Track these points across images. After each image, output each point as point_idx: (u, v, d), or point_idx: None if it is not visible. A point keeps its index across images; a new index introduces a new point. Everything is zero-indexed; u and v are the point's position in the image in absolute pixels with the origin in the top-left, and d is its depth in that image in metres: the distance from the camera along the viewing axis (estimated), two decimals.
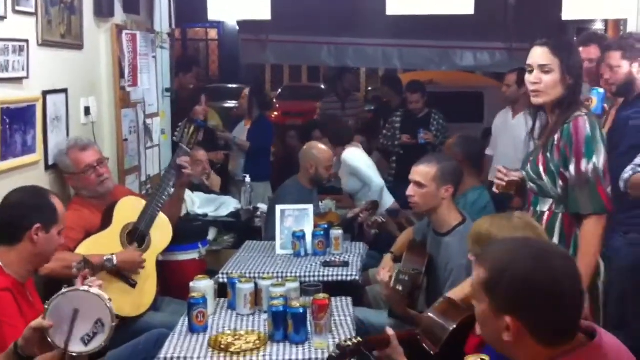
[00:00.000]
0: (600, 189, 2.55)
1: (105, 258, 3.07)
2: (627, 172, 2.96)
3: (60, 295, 2.00)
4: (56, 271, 2.84)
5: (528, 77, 2.67)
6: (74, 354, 1.93)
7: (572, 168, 2.57)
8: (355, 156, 4.94)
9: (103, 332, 1.93)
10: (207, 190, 4.91)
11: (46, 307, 2.00)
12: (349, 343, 2.17)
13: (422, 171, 3.11)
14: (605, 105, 3.36)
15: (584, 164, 2.55)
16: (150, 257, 3.32)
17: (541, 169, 2.66)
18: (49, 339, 1.94)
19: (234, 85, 13.70)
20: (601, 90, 3.30)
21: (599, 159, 2.55)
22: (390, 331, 2.30)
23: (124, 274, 3.17)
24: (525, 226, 2.20)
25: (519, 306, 1.49)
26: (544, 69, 2.61)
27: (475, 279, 1.58)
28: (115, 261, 3.07)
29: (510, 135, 4.06)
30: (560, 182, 2.63)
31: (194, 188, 4.59)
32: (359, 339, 2.20)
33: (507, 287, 1.49)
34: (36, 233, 2.42)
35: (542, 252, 1.54)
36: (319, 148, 4.37)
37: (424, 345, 2.34)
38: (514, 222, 2.23)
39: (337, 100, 7.60)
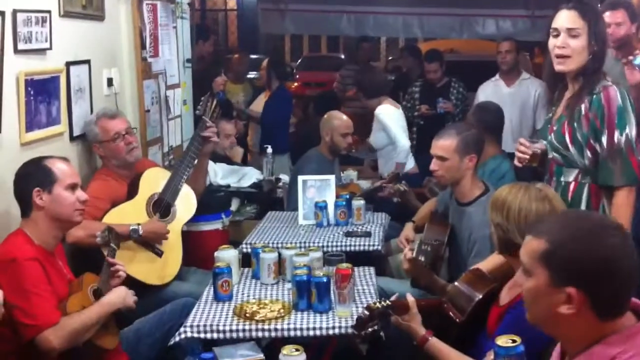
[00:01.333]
0: (633, 159, 2.53)
1: (131, 228, 3.11)
2: None
3: None
4: (82, 239, 2.91)
5: (553, 42, 2.60)
6: None
7: (604, 140, 2.53)
8: (389, 113, 4.93)
9: None
10: (229, 161, 4.93)
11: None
12: (378, 305, 2.20)
13: (443, 144, 3.09)
14: None
15: (616, 136, 2.51)
16: (175, 228, 3.36)
17: (567, 138, 2.62)
18: None
19: (254, 56, 13.64)
20: None
21: (631, 130, 2.52)
22: (410, 298, 2.32)
23: (151, 243, 3.21)
24: (544, 198, 2.18)
25: (584, 276, 1.45)
26: (571, 32, 2.55)
27: (529, 252, 1.53)
28: (140, 231, 3.11)
29: (510, 106, 3.99)
30: (588, 153, 2.59)
31: (217, 159, 4.60)
32: (388, 302, 2.23)
33: (571, 257, 1.46)
34: (39, 197, 2.49)
35: (601, 224, 1.52)
36: (337, 116, 4.38)
37: (450, 313, 2.36)
38: (532, 192, 2.21)
39: (357, 68, 7.55)
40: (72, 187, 2.55)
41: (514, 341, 1.79)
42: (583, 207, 2.60)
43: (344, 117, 4.42)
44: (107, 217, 3.12)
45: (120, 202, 3.25)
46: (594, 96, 2.55)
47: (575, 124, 2.60)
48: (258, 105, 6.16)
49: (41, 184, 2.50)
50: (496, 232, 2.25)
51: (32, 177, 2.51)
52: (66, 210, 2.53)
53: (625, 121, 2.52)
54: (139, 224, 3.12)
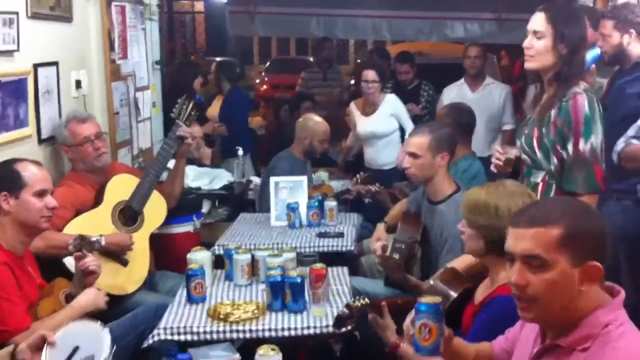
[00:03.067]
0: (596, 168, 2.56)
1: (93, 239, 2.93)
2: (619, 145, 2.97)
3: (76, 322, 2.03)
4: (42, 250, 2.81)
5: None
6: None
7: (570, 148, 2.56)
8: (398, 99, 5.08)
9: None
10: (199, 163, 4.90)
11: (60, 329, 2.01)
12: (357, 304, 2.21)
13: (416, 142, 3.12)
14: (593, 66, 3.36)
15: (581, 144, 2.54)
16: (143, 236, 3.28)
17: (535, 143, 2.65)
18: (43, 353, 1.92)
19: (221, 59, 13.60)
20: (598, 50, 3.29)
21: (597, 138, 2.55)
22: (383, 304, 2.31)
23: (115, 253, 3.14)
24: (523, 192, 2.22)
25: (599, 250, 1.55)
26: (536, 34, 2.61)
27: (544, 243, 1.53)
28: (103, 242, 2.97)
29: (475, 111, 4.06)
30: (554, 159, 2.62)
31: (187, 161, 4.57)
32: (367, 300, 2.24)
33: (587, 234, 1.55)
34: (6, 202, 2.46)
35: (583, 203, 1.67)
36: (316, 121, 4.36)
37: None
38: (510, 188, 2.24)
39: (319, 70, 7.57)
40: (41, 194, 2.52)
41: (434, 301, 1.83)
42: None
43: (324, 123, 4.39)
44: (69, 227, 3.04)
45: (85, 210, 3.17)
46: (563, 103, 2.58)
47: (544, 129, 2.63)
48: (213, 110, 6.04)
49: (9, 188, 2.46)
50: (481, 234, 2.23)
51: (0, 181, 2.47)
52: (32, 216, 2.50)
53: (590, 130, 2.54)
54: (101, 235, 2.99)
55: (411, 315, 1.86)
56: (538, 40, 2.61)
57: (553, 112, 2.60)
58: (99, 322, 2.04)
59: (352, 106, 5.28)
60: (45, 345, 1.92)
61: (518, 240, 1.57)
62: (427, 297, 1.87)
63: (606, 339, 1.50)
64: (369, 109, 5.07)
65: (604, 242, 1.56)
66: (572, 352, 1.53)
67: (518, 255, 1.57)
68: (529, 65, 2.68)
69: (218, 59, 13.13)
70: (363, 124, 5.09)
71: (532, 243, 1.54)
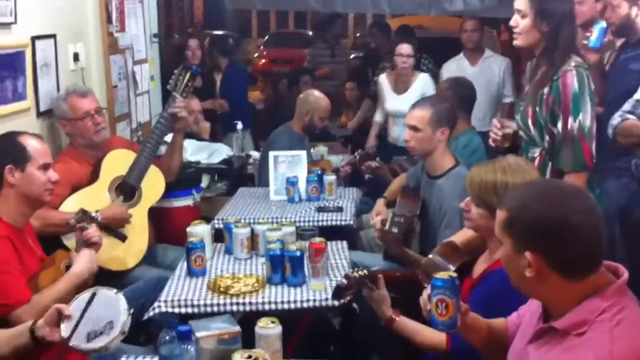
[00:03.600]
0: (584, 146, 2.57)
1: (92, 214, 2.94)
2: (615, 119, 2.96)
3: (90, 290, 2.02)
4: (39, 229, 2.78)
5: None
6: (73, 347, 1.93)
7: (559, 125, 2.58)
8: None
9: (108, 335, 1.92)
10: (198, 137, 4.89)
11: (74, 298, 2.02)
12: (356, 275, 2.22)
13: (417, 115, 3.12)
14: (606, 39, 3.31)
15: (570, 122, 2.56)
16: (141, 211, 3.27)
17: (529, 121, 2.68)
18: (62, 325, 1.95)
19: (219, 32, 13.51)
20: (604, 24, 3.25)
21: (585, 116, 2.56)
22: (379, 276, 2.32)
23: (113, 228, 3.13)
24: (532, 168, 2.21)
25: (537, 241, 1.53)
26: (519, 13, 2.66)
27: (497, 223, 1.63)
28: (99, 218, 2.93)
29: (475, 85, 4.04)
30: (547, 137, 2.64)
31: (185, 135, 4.56)
32: (366, 271, 2.25)
33: (525, 223, 1.55)
34: (11, 174, 2.45)
35: (558, 190, 1.60)
36: (317, 97, 4.33)
37: (425, 284, 2.38)
38: (520, 165, 2.22)
39: (326, 47, 7.53)
40: (45, 167, 2.52)
41: (450, 276, 1.84)
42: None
43: (326, 100, 4.35)
44: (66, 203, 3.03)
45: (81, 187, 3.16)
46: (554, 82, 2.60)
47: (537, 108, 2.65)
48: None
49: (14, 161, 2.45)
50: (493, 215, 2.22)
51: (6, 154, 2.47)
52: (37, 189, 2.50)
53: (579, 108, 2.55)
54: (97, 210, 2.96)
55: (428, 290, 1.86)
56: (522, 18, 2.66)
57: (546, 90, 2.62)
58: (114, 289, 2.04)
59: (383, 80, 5.19)
60: (63, 318, 1.94)
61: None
62: (443, 272, 1.88)
63: (601, 325, 1.49)
64: (401, 85, 5.01)
65: (555, 236, 1.51)
66: (567, 336, 1.53)
67: None
68: (516, 43, 2.73)
69: (216, 32, 13.07)
70: (393, 102, 5.04)
71: (497, 221, 1.65)
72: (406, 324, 2.23)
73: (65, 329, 1.93)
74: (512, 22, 2.71)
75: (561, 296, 1.56)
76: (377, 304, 2.26)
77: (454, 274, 1.85)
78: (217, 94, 5.80)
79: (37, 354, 2.11)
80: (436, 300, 1.81)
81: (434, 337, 2.17)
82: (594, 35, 3.17)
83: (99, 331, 1.92)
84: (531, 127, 2.67)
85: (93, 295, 1.98)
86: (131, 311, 1.97)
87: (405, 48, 4.81)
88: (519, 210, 1.57)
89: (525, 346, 1.67)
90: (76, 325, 1.93)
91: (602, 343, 1.47)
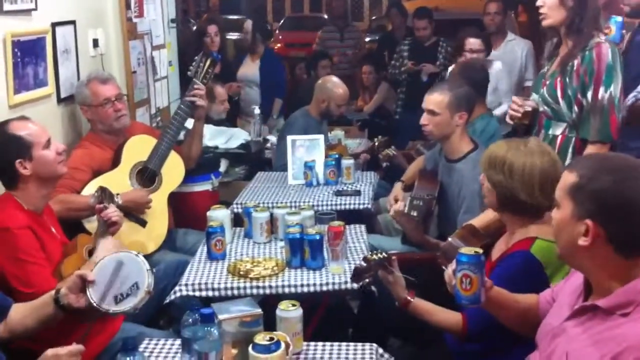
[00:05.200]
0: (612, 117, 2.60)
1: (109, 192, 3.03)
2: (629, 100, 2.97)
3: (110, 255, 2.05)
4: (61, 213, 2.81)
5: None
6: (103, 311, 1.97)
7: (589, 94, 2.61)
8: None
9: (135, 296, 1.96)
10: (216, 122, 4.90)
11: (95, 262, 2.05)
12: (375, 257, 2.24)
13: (435, 99, 3.11)
14: (624, 31, 3.30)
15: (601, 92, 2.59)
16: (161, 197, 3.30)
17: (559, 93, 2.70)
18: (88, 291, 1.98)
19: (235, 17, 13.49)
20: (619, 18, 3.24)
21: (617, 88, 2.59)
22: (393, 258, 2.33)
23: (133, 213, 3.16)
24: (543, 152, 2.21)
25: (602, 212, 1.55)
26: None
27: (562, 184, 1.64)
28: (120, 201, 2.95)
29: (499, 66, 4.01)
30: (575, 108, 2.67)
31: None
32: (385, 254, 2.26)
33: (594, 192, 1.56)
34: (23, 167, 2.44)
35: (631, 168, 1.60)
36: (336, 84, 4.31)
37: (444, 267, 2.40)
38: (531, 148, 2.23)
39: (336, 30, 7.49)
40: (48, 144, 2.50)
41: (476, 252, 1.85)
42: (568, 159, 2.67)
43: (343, 87, 4.33)
44: (87, 189, 3.05)
45: (103, 172, 3.18)
46: (587, 52, 2.64)
47: (567, 79, 2.67)
48: (247, 70, 5.96)
49: (19, 153, 2.43)
50: (495, 190, 2.24)
51: (7, 150, 2.44)
52: (50, 167, 2.50)
53: (611, 79, 2.59)
54: (117, 194, 2.95)
55: (452, 265, 1.88)
56: None
57: (576, 62, 2.66)
58: (133, 251, 2.07)
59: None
60: (87, 284, 1.97)
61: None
62: (468, 247, 1.90)
63: None
64: None
65: (621, 210, 1.53)
66: (611, 315, 1.54)
67: None
68: (545, 22, 2.75)
69: (231, 17, 13.04)
70: None
71: (560, 183, 1.66)
72: (421, 305, 2.25)
73: (93, 295, 1.97)
74: (539, 2, 2.72)
75: (608, 272, 1.57)
76: (393, 285, 2.27)
77: (480, 250, 1.86)
78: (237, 78, 5.80)
79: (65, 331, 2.14)
80: (461, 275, 1.83)
81: (450, 317, 2.19)
82: (613, 31, 3.16)
83: (125, 293, 1.96)
84: (560, 99, 2.69)
85: (119, 261, 2.01)
86: (154, 270, 2.02)
87: (474, 43, 4.62)
88: (590, 178, 1.57)
89: (562, 323, 1.68)
90: (105, 290, 1.96)
91: None
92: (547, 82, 2.76)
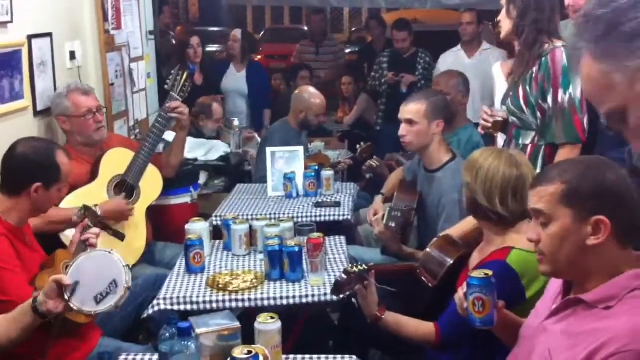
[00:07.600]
0: (575, 118, 2.62)
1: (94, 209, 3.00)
2: None
3: (83, 255, 2.03)
4: (40, 226, 2.80)
5: None
6: (86, 313, 1.96)
7: (549, 99, 2.65)
8: None
9: (115, 294, 1.95)
10: (196, 134, 4.89)
11: (70, 264, 2.03)
12: (355, 269, 2.23)
13: (411, 109, 3.12)
14: None
15: (560, 95, 2.62)
16: (139, 210, 3.28)
17: (522, 102, 2.73)
18: (65, 295, 1.96)
19: (215, 28, 13.48)
20: None
21: (576, 89, 2.60)
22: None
23: (111, 227, 3.10)
24: (514, 164, 2.20)
25: (606, 205, 1.55)
26: (503, 6, 2.77)
27: (548, 198, 1.61)
28: (99, 212, 2.87)
29: (472, 77, 4.06)
30: (538, 114, 2.70)
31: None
32: (365, 266, 2.26)
33: (590, 189, 1.57)
34: (36, 191, 2.43)
35: (600, 159, 1.65)
36: (312, 94, 4.32)
37: (423, 278, 2.41)
38: (504, 157, 2.23)
39: (312, 45, 7.44)
40: (65, 188, 2.53)
41: (486, 274, 1.86)
42: (539, 168, 2.68)
43: (320, 97, 4.34)
44: (65, 202, 2.99)
45: (80, 185, 3.15)
46: (543, 58, 2.68)
47: (528, 87, 2.71)
48: (232, 81, 5.93)
49: (44, 180, 2.43)
50: (465, 192, 2.29)
51: (41, 170, 2.43)
52: (48, 205, 2.53)
53: (569, 80, 2.61)
54: (96, 205, 2.90)
55: (463, 289, 1.88)
56: (504, 10, 2.77)
57: (534, 69, 2.69)
58: (106, 248, 2.06)
59: (497, 69, 5.11)
60: (64, 288, 1.95)
61: (530, 198, 1.68)
62: (478, 271, 1.90)
63: (630, 302, 1.50)
64: None
65: (616, 200, 1.55)
66: (593, 309, 1.55)
67: (531, 212, 1.67)
68: (501, 35, 2.86)
69: (212, 28, 13.03)
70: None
71: (535, 199, 1.65)
72: (392, 319, 2.24)
73: (73, 298, 1.95)
74: (499, 17, 2.81)
75: (605, 266, 1.57)
76: (365, 301, 2.25)
77: (490, 272, 1.87)
78: (220, 90, 5.78)
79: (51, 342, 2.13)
80: (473, 298, 1.84)
81: (421, 328, 2.19)
82: None
83: (104, 292, 1.95)
84: (524, 107, 2.72)
85: (93, 260, 1.99)
86: (129, 265, 2.01)
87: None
88: (579, 180, 1.58)
89: (541, 323, 1.69)
90: (80, 291, 1.95)
91: (626, 320, 1.47)
92: (511, 93, 2.80)
